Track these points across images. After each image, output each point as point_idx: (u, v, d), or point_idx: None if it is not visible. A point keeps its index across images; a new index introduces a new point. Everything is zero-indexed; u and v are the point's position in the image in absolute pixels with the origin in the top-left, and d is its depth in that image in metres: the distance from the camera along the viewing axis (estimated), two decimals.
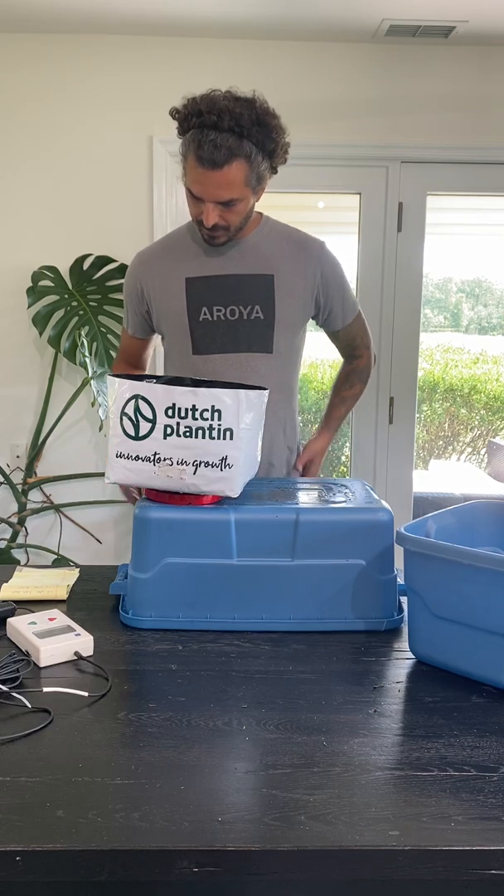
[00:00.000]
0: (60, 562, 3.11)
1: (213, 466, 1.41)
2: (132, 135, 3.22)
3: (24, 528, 3.34)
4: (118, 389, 1.42)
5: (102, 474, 3.38)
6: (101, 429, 3.26)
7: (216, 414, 1.39)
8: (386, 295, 3.42)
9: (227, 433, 1.40)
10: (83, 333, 3.12)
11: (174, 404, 1.40)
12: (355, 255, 3.45)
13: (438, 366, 5.52)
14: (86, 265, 3.22)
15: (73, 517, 3.42)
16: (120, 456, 1.43)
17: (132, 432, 1.41)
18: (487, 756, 1.05)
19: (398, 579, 1.46)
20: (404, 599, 1.46)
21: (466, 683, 1.24)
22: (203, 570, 1.41)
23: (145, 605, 1.42)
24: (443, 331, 5.68)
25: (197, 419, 1.39)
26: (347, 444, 3.97)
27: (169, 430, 1.40)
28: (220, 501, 1.46)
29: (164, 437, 1.41)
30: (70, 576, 1.67)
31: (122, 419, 1.42)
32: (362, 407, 3.51)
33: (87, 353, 3.07)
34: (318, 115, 3.25)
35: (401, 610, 1.46)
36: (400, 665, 1.31)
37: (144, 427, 1.41)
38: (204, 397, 1.39)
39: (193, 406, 1.39)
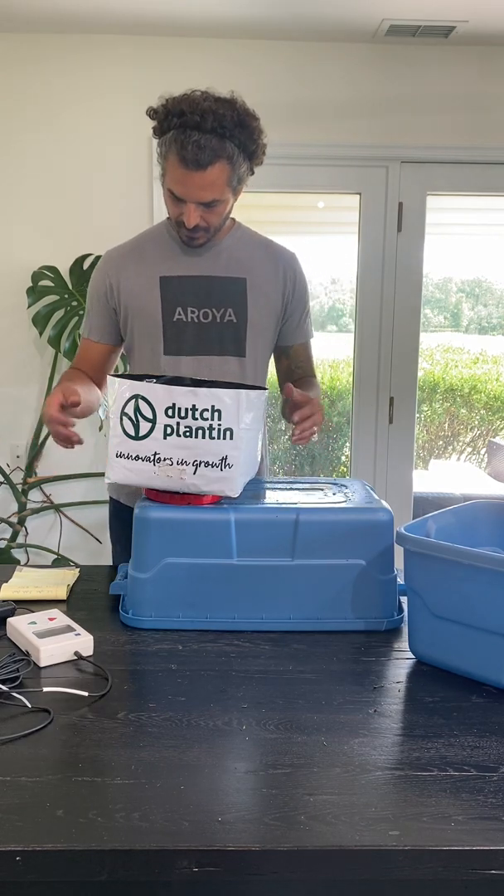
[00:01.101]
0: (60, 562, 3.11)
1: (213, 466, 1.40)
2: (132, 135, 3.22)
3: (24, 528, 3.34)
4: (118, 389, 1.42)
5: (102, 474, 3.37)
6: (101, 429, 3.26)
7: (216, 414, 1.39)
8: (386, 295, 3.42)
9: (227, 433, 1.40)
10: None
11: (174, 404, 1.40)
12: (355, 255, 3.45)
13: (438, 366, 5.52)
14: (86, 265, 3.22)
15: (73, 517, 3.42)
16: (120, 456, 1.43)
17: (132, 432, 1.41)
18: (487, 756, 1.05)
19: (398, 579, 1.46)
20: (404, 599, 1.46)
21: (466, 683, 1.24)
22: (203, 570, 1.41)
23: (145, 605, 1.42)
24: (443, 331, 5.68)
25: (197, 419, 1.39)
26: (347, 444, 3.97)
27: (169, 430, 1.40)
28: (220, 501, 1.46)
29: (164, 437, 1.40)
30: (70, 576, 1.67)
31: (121, 419, 1.42)
32: (362, 407, 3.51)
33: None
34: (318, 115, 3.25)
35: (401, 610, 1.46)
36: (400, 665, 1.31)
37: (144, 427, 1.41)
38: (204, 397, 1.39)
39: (193, 406, 1.39)
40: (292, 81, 3.23)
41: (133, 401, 1.41)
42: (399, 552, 1.34)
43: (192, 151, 1.61)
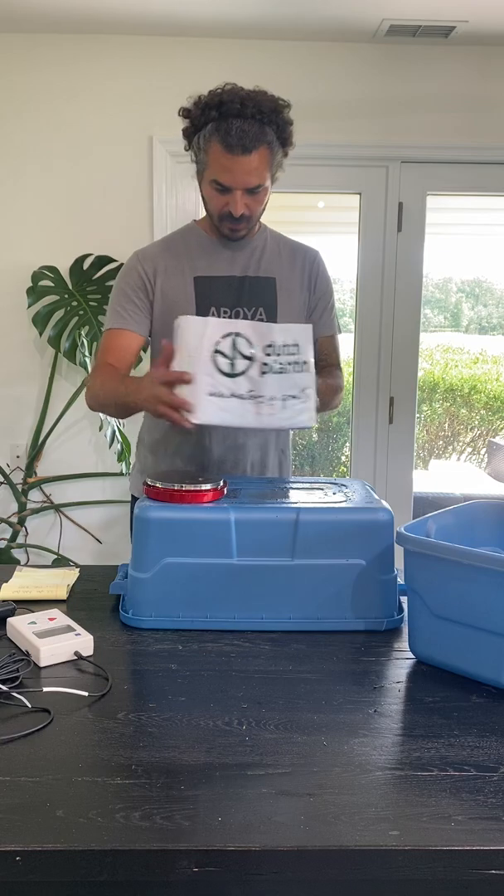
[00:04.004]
0: (60, 562, 3.11)
1: (295, 399, 1.47)
2: (132, 135, 3.22)
3: (24, 528, 3.34)
4: (209, 329, 1.46)
5: (103, 474, 3.39)
6: (100, 428, 3.26)
7: (296, 347, 1.47)
8: (386, 295, 3.42)
9: (304, 365, 1.48)
10: (83, 333, 3.12)
11: (273, 342, 1.46)
12: (355, 255, 3.44)
13: (438, 366, 5.52)
14: (86, 265, 3.22)
15: (73, 517, 3.42)
16: (213, 395, 1.45)
17: (227, 370, 1.44)
18: (487, 756, 1.05)
19: (398, 579, 1.46)
20: (404, 599, 1.46)
21: (466, 683, 1.24)
22: (203, 569, 1.41)
23: (145, 605, 1.42)
24: (443, 331, 5.69)
25: (287, 354, 1.47)
26: (347, 444, 3.97)
27: (265, 367, 1.46)
28: (220, 500, 1.47)
29: (261, 375, 1.46)
30: (70, 576, 1.67)
31: (215, 357, 1.44)
32: (362, 407, 3.51)
33: (87, 353, 3.07)
34: (318, 115, 3.25)
35: (401, 610, 1.46)
36: (400, 665, 1.31)
37: (241, 365, 1.44)
38: (291, 333, 1.47)
39: (284, 342, 1.46)
40: (292, 81, 3.22)
41: (229, 338, 1.43)
42: (399, 552, 1.34)
43: (237, 136, 1.65)
